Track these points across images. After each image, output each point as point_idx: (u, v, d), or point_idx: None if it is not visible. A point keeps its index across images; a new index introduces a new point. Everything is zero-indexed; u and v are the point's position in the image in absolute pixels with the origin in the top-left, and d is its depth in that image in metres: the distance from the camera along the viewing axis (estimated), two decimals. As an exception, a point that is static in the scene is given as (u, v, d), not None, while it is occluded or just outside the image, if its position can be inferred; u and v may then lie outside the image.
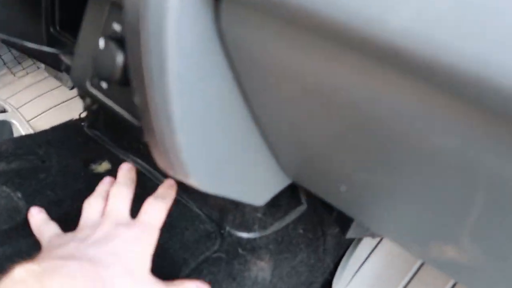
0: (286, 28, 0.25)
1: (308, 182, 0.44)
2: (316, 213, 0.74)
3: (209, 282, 0.57)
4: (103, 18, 0.41)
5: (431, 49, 0.17)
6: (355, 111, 0.26)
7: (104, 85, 0.41)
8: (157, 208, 0.52)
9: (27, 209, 0.60)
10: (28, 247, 0.54)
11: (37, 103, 1.20)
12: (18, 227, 0.57)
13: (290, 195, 0.74)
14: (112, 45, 0.36)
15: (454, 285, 0.73)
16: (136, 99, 0.33)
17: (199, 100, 0.32)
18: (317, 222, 0.74)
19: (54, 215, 0.60)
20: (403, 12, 0.17)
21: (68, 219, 0.60)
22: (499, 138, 0.19)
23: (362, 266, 0.76)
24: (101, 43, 0.37)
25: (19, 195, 0.62)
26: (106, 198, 0.54)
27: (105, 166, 0.72)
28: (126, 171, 0.58)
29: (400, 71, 0.20)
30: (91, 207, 0.53)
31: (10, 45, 0.62)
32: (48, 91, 1.24)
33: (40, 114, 1.16)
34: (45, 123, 1.13)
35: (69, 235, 0.50)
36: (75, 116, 1.19)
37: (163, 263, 0.58)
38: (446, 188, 0.27)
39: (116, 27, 0.40)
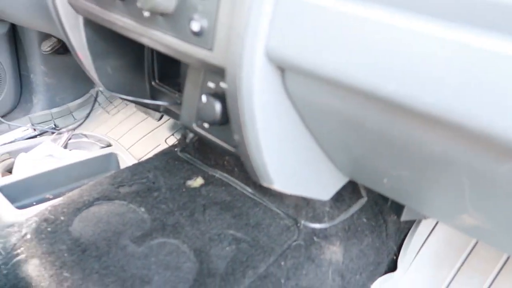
0: (327, 86, 0.40)
1: (360, 178, 0.59)
2: (376, 204, 0.87)
3: (293, 264, 0.73)
4: (200, 79, 0.59)
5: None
6: (383, 135, 0.41)
7: (206, 125, 0.59)
8: None
9: (150, 220, 0.80)
10: (158, 248, 0.73)
11: (131, 135, 1.43)
12: (147, 234, 0.76)
13: (352, 190, 0.88)
14: (212, 99, 0.54)
15: (508, 258, 0.82)
16: (235, 135, 0.50)
17: (277, 133, 0.48)
18: (378, 211, 0.87)
19: (169, 223, 0.79)
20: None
21: (178, 227, 0.78)
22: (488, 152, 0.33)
23: (423, 246, 0.87)
24: (204, 98, 0.55)
25: (143, 209, 0.82)
26: None
27: (199, 181, 0.91)
28: None
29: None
30: None
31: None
32: (138, 124, 1.48)
33: (135, 143, 1.39)
34: (140, 150, 1.36)
35: None
36: (161, 141, 1.42)
37: (256, 252, 0.74)
38: (455, 181, 0.41)
39: (211, 85, 0.57)
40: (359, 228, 0.84)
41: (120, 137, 1.43)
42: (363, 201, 0.87)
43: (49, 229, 0.76)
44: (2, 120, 1.33)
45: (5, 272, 0.69)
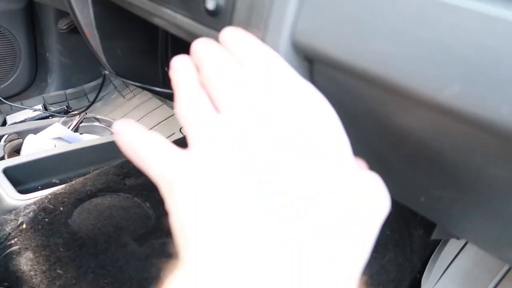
0: (365, 82, 0.32)
1: (391, 191, 0.51)
2: (401, 215, 0.79)
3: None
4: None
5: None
6: (429, 147, 0.33)
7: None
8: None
9: (155, 217, 0.74)
10: (160, 247, 0.67)
11: (145, 121, 1.38)
12: (151, 231, 0.70)
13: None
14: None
15: (548, 285, 0.74)
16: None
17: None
18: (403, 224, 0.79)
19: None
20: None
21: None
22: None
23: (451, 265, 0.79)
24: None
25: (148, 204, 0.76)
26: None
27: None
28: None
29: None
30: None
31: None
32: (152, 110, 1.42)
33: (150, 130, 1.34)
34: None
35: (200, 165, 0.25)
36: (175, 130, 1.36)
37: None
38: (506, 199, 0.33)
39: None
40: (381, 241, 0.76)
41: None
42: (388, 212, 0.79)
43: (46, 219, 0.71)
44: (11, 103, 1.29)
45: (-5, 264, 0.64)
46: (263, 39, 0.35)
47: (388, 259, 0.75)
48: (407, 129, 0.33)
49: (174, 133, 1.30)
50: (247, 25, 0.36)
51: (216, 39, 0.40)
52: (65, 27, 1.33)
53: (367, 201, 0.25)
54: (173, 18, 0.44)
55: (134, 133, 0.29)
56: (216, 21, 0.39)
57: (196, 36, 0.43)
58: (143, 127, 0.29)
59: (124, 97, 1.52)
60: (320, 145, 0.25)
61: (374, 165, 0.48)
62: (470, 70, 0.24)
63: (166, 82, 0.74)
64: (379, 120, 0.35)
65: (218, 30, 0.39)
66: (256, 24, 0.35)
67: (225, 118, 0.25)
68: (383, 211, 0.26)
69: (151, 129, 1.35)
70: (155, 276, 0.62)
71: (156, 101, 1.45)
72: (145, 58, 0.75)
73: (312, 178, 0.23)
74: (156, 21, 0.49)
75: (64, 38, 1.40)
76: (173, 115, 1.38)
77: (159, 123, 1.37)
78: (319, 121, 0.26)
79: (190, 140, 0.26)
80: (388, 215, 0.81)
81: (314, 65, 0.36)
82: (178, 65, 0.32)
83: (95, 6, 0.62)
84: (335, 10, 0.30)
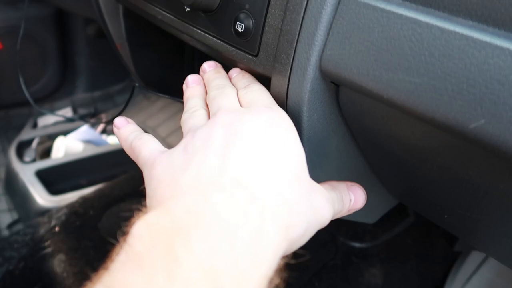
0: (391, 109, 0.33)
1: (415, 206, 0.52)
2: (424, 224, 0.79)
3: (328, 286, 0.67)
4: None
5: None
6: (455, 173, 0.34)
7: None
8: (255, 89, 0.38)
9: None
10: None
11: (169, 123, 1.41)
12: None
13: (398, 207, 0.80)
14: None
15: None
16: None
17: (323, 152, 0.42)
18: (425, 233, 0.79)
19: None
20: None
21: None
22: None
23: (474, 275, 0.79)
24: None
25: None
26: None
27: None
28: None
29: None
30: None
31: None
32: (177, 113, 1.45)
33: (172, 133, 1.37)
34: (176, 141, 1.34)
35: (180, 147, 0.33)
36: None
37: (290, 268, 0.69)
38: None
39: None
40: (403, 250, 0.76)
41: (158, 126, 1.41)
42: (409, 220, 0.79)
43: (77, 223, 0.74)
44: (41, 109, 1.34)
45: (31, 265, 0.67)
46: (290, 64, 0.36)
47: (409, 268, 0.75)
48: (433, 154, 0.34)
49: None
50: (275, 49, 0.38)
51: (244, 59, 0.41)
52: (93, 32, 1.37)
53: (309, 208, 0.31)
54: (202, 38, 0.45)
55: (132, 130, 0.38)
56: (244, 43, 0.40)
57: (224, 56, 0.45)
58: (137, 127, 0.39)
59: (148, 99, 1.56)
60: (273, 153, 0.31)
61: (399, 182, 0.49)
62: (496, 106, 0.25)
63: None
64: (404, 144, 0.36)
65: (247, 51, 0.41)
66: (284, 48, 0.36)
67: (208, 126, 0.33)
68: (321, 223, 0.33)
69: (174, 131, 1.38)
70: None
71: (179, 104, 1.48)
72: (172, 70, 0.77)
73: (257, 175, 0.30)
74: (185, 38, 0.50)
75: (92, 43, 1.44)
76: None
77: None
78: (279, 135, 0.32)
79: (181, 141, 0.34)
80: (410, 225, 0.81)
81: (340, 89, 0.37)
82: (191, 84, 0.42)
83: (127, 19, 0.65)
84: (361, 40, 0.31)
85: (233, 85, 0.40)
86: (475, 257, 0.80)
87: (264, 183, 0.29)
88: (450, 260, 0.80)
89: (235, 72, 0.43)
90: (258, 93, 0.38)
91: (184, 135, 0.35)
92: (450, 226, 0.49)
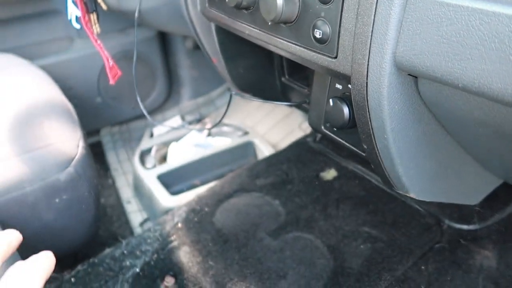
0: (469, 95, 0.34)
1: (505, 176, 0.50)
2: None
3: (435, 269, 0.67)
4: (327, 81, 0.57)
5: None
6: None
7: (334, 128, 0.57)
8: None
9: (285, 213, 0.82)
10: (293, 241, 0.75)
11: (266, 121, 1.48)
12: (282, 226, 0.79)
13: (506, 186, 0.76)
14: (339, 104, 0.51)
15: None
16: (363, 143, 0.47)
17: (412, 140, 0.44)
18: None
19: (303, 217, 0.80)
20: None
21: (311, 221, 0.79)
22: None
23: None
24: (331, 102, 0.53)
25: (277, 202, 0.85)
26: None
27: (332, 173, 0.89)
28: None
29: None
30: None
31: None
32: (272, 110, 1.52)
33: (269, 130, 1.44)
34: (274, 136, 1.40)
35: None
36: (294, 127, 1.43)
37: (393, 253, 0.70)
38: None
39: (338, 86, 0.55)
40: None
41: (256, 124, 1.49)
42: (523, 199, 0.75)
43: (195, 219, 0.84)
44: (154, 122, 1.50)
45: (162, 256, 0.79)
46: (367, 63, 0.39)
47: None
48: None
49: (293, 130, 1.38)
50: (351, 50, 0.41)
51: (324, 62, 0.45)
52: (191, 45, 1.50)
53: None
54: (286, 46, 0.50)
55: None
56: (324, 47, 0.44)
57: (307, 60, 0.48)
58: None
59: (245, 100, 1.65)
60: None
61: (497, 161, 0.48)
62: None
63: (283, 90, 0.81)
64: (490, 125, 0.36)
65: (326, 54, 0.44)
66: (360, 49, 0.39)
67: None
68: None
69: (272, 128, 1.45)
70: (290, 266, 0.70)
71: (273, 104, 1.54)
72: (264, 73, 0.83)
73: None
74: (271, 47, 0.55)
75: (191, 55, 1.57)
76: (291, 112, 1.46)
77: (278, 122, 1.46)
78: None
79: None
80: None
81: (419, 79, 0.39)
82: None
83: (219, 34, 0.72)
84: (431, 35, 0.32)
85: None
86: None
87: None
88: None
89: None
90: None
91: None
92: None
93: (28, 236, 0.78)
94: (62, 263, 0.83)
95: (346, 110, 0.51)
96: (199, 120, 1.46)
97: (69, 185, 0.81)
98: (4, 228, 0.72)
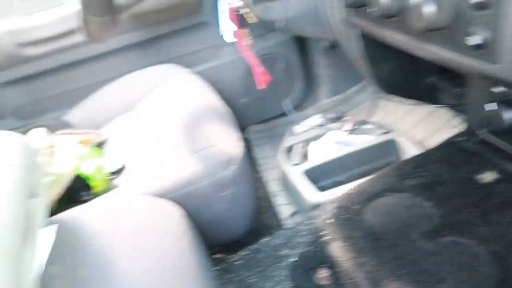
0: None
1: None
2: None
3: None
4: (484, 85, 0.56)
5: None
6: None
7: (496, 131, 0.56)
8: None
9: (438, 216, 0.81)
10: (450, 245, 0.74)
11: (407, 118, 1.44)
12: (436, 230, 0.78)
13: None
14: (502, 107, 0.50)
15: None
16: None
17: None
18: None
19: (459, 221, 0.78)
20: None
21: (469, 226, 0.77)
22: None
23: None
24: (493, 106, 0.52)
25: (428, 203, 0.84)
26: None
27: (491, 176, 0.85)
28: None
29: None
30: None
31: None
32: (411, 109, 1.47)
33: (413, 127, 1.40)
34: (419, 134, 1.36)
35: None
36: (440, 125, 1.37)
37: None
38: None
39: (498, 89, 0.53)
40: None
41: (397, 121, 1.46)
42: None
43: (345, 216, 0.88)
44: (295, 119, 1.57)
45: (314, 249, 0.85)
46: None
47: None
48: None
49: (440, 127, 1.32)
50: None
51: (483, 69, 0.44)
52: (327, 44, 1.54)
53: None
54: (437, 53, 0.50)
55: None
56: (481, 53, 0.44)
57: (461, 67, 0.48)
58: None
59: (383, 99, 1.63)
60: None
61: None
62: None
63: (430, 90, 0.80)
64: None
65: (485, 60, 0.44)
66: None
67: None
68: None
69: (416, 125, 1.41)
70: (449, 272, 0.70)
71: (411, 101, 1.49)
72: (408, 74, 0.83)
73: None
74: (420, 54, 0.56)
75: (327, 54, 1.61)
76: (434, 110, 1.39)
77: (423, 119, 1.40)
78: None
79: None
80: None
81: None
82: None
83: (362, 41, 0.74)
84: None
85: None
86: None
87: None
88: None
89: None
90: None
91: None
92: None
93: (202, 223, 0.91)
94: (229, 248, 0.95)
95: (507, 115, 0.50)
96: (338, 118, 1.49)
97: (233, 180, 0.93)
98: (187, 213, 0.85)
